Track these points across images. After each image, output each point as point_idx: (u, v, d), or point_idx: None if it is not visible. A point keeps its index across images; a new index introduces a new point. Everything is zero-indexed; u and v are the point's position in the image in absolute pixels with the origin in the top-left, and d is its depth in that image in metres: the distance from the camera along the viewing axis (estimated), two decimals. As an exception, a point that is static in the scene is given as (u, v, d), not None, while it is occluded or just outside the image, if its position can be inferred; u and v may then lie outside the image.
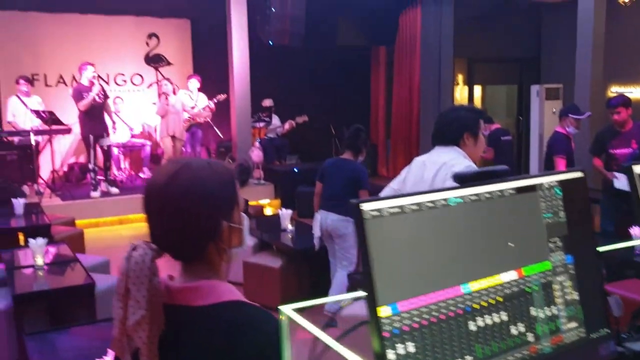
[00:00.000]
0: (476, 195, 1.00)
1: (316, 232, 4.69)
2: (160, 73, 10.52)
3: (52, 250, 4.85)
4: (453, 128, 2.75)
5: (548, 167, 5.92)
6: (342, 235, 4.52)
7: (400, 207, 0.91)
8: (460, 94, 11.50)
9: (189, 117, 9.26)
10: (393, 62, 11.63)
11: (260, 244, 5.54)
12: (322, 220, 4.59)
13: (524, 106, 10.98)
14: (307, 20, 9.39)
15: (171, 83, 9.44)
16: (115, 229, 8.10)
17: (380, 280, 0.86)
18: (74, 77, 9.79)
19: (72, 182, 9.29)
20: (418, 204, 0.93)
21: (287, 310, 0.99)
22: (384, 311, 0.85)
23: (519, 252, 1.02)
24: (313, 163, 10.20)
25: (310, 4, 9.32)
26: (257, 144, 9.18)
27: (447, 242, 0.95)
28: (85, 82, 8.03)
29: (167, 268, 1.27)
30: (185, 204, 1.18)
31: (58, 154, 9.18)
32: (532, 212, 1.06)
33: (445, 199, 0.96)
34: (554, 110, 8.55)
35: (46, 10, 9.39)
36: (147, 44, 10.38)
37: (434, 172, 2.69)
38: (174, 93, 9.41)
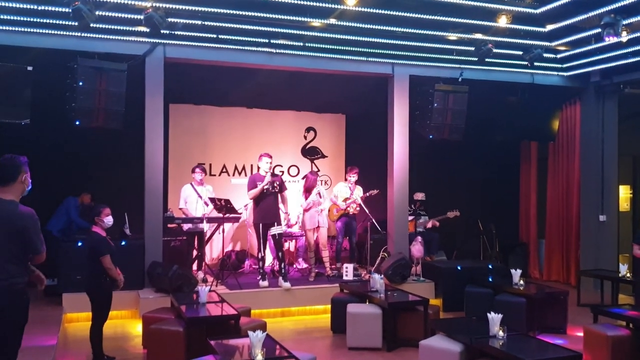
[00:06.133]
0: None
1: None
2: (315, 165, 10.70)
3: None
4: None
5: None
6: None
7: None
8: (625, 194, 10.80)
9: (343, 208, 9.16)
10: (546, 158, 11.21)
11: (467, 349, 5.14)
12: None
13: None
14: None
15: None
16: (279, 321, 7.93)
17: None
18: (236, 167, 10.17)
19: (229, 269, 9.30)
20: None
21: None
22: None
23: None
24: (473, 261, 9.74)
25: (471, 98, 9.25)
26: (419, 238, 8.88)
27: None
28: (262, 172, 8.18)
29: None
30: None
31: (217, 241, 9.33)
32: None
33: None
34: None
35: (217, 104, 9.93)
36: (305, 137, 10.67)
37: None
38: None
